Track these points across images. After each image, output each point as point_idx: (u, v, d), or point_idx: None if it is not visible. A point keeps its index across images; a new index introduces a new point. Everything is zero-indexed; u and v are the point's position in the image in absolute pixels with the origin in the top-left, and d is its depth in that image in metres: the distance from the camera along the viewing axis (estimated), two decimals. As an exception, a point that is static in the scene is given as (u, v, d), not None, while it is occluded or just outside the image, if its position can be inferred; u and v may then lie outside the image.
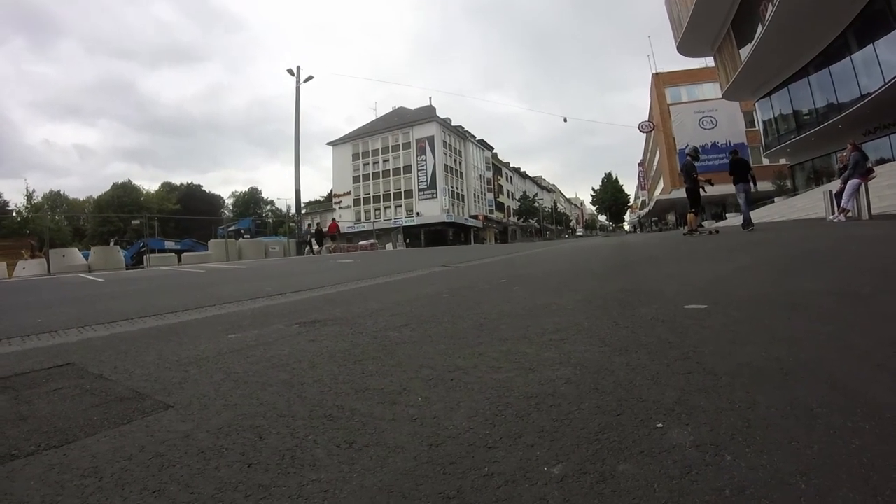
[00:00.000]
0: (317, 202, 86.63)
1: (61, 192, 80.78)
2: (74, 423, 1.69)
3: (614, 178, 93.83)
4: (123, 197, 74.16)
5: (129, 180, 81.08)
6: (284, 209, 67.76)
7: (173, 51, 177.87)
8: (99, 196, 78.36)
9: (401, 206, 67.91)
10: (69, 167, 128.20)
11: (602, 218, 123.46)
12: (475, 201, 77.98)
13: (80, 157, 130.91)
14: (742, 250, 7.33)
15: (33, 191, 60.09)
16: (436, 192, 65.35)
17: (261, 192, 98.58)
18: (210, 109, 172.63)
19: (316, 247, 30.05)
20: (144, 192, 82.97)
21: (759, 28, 27.30)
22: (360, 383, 1.94)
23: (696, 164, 14.66)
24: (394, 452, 1.31)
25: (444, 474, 1.18)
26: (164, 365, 2.44)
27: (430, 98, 74.29)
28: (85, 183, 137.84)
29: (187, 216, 59.86)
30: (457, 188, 72.16)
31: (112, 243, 39.21)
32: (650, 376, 1.79)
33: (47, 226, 37.98)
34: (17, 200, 57.97)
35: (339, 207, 71.84)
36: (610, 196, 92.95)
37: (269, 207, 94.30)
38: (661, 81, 57.19)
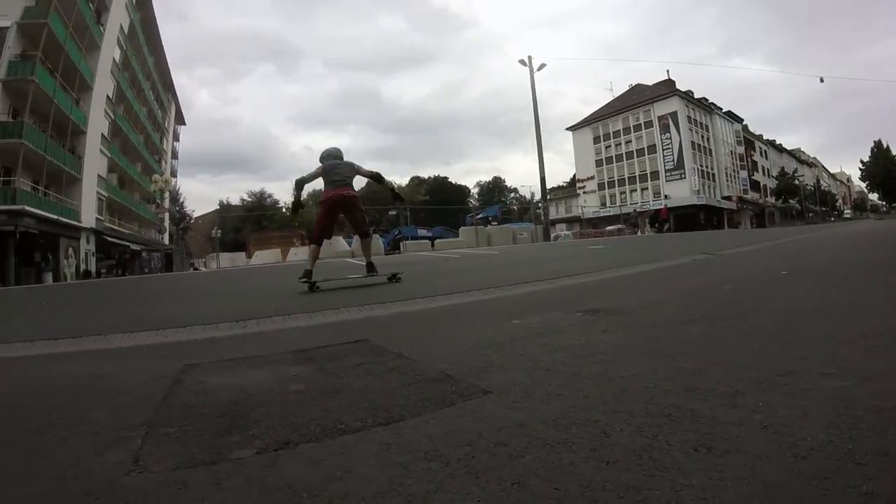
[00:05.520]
0: (560, 188, 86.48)
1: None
2: (393, 402, 1.73)
3: (885, 146, 77.84)
4: (377, 192, 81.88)
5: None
6: (528, 196, 68.23)
7: (406, 56, 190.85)
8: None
9: (647, 188, 64.04)
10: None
11: (873, 196, 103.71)
12: (727, 181, 70.27)
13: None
14: None
15: (298, 189, 69.93)
16: (684, 172, 60.53)
17: (504, 181, 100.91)
18: (448, 106, 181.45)
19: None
20: (396, 186, 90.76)
21: None
22: (685, 382, 1.75)
23: None
24: (760, 461, 1.15)
25: (821, 489, 1.01)
26: (460, 348, 2.51)
27: (668, 71, 67.71)
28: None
29: (436, 206, 63.74)
30: (706, 167, 65.62)
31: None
32: None
33: (311, 219, 43.17)
34: (285, 199, 67.91)
35: (584, 192, 70.24)
36: (882, 170, 76.31)
37: (512, 195, 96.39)
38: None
